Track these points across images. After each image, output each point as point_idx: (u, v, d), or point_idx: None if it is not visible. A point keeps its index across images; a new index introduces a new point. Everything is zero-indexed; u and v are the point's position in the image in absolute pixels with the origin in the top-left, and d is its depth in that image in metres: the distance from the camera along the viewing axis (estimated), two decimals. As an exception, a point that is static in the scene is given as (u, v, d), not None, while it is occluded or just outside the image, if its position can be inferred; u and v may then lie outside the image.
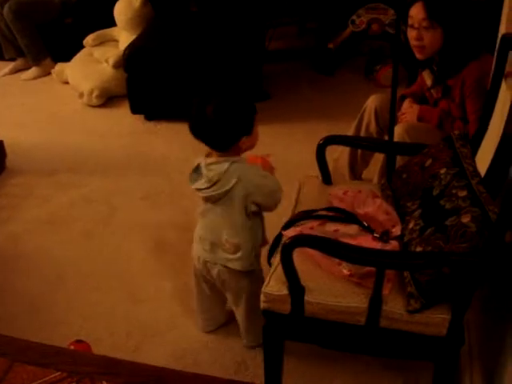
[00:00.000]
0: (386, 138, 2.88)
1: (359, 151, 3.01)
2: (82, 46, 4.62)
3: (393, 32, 4.47)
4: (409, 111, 2.78)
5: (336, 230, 1.83)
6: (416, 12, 2.53)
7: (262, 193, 1.96)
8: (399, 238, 1.79)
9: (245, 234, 2.00)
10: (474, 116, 2.48)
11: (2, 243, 2.89)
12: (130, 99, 3.91)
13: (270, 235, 2.09)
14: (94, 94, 4.15)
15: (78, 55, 4.55)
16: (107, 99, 4.26)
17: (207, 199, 1.98)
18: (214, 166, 1.90)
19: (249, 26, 4.36)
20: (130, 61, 3.79)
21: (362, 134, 2.96)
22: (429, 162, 1.88)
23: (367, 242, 1.78)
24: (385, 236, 1.80)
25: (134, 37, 4.17)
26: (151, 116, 3.99)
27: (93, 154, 3.64)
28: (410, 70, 3.34)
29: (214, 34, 4.05)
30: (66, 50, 4.69)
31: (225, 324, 2.36)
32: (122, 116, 4.05)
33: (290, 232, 1.83)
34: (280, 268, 1.70)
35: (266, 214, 2.11)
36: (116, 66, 4.14)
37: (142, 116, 4.02)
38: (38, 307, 2.50)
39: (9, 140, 3.55)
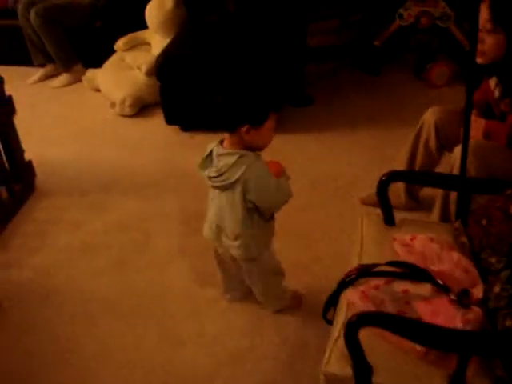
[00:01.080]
0: (448, 154, 2.64)
1: (417, 167, 2.73)
2: (113, 51, 4.39)
3: (443, 25, 4.15)
4: (473, 126, 2.46)
5: (406, 291, 1.57)
6: (482, 14, 2.23)
7: (258, 194, 1.93)
8: (481, 303, 1.51)
9: (245, 226, 2.00)
10: None
11: (32, 277, 2.69)
12: (165, 109, 3.67)
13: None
14: (127, 104, 3.92)
15: (109, 61, 4.33)
16: (140, 108, 4.02)
17: (215, 187, 2.00)
18: (224, 157, 1.91)
19: (289, 22, 4.06)
20: (163, 69, 3.54)
21: (420, 150, 2.69)
22: (515, 208, 1.59)
23: (443, 306, 1.52)
24: (464, 298, 1.53)
25: (167, 40, 3.93)
26: (187, 126, 3.75)
27: (126, 171, 3.41)
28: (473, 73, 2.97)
29: (253, 34, 3.77)
30: (97, 55, 4.48)
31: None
32: (156, 126, 3.82)
33: (353, 295, 1.57)
34: (341, 343, 1.44)
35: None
36: (149, 73, 3.90)
37: (177, 127, 3.77)
38: (67, 351, 2.30)
39: (37, 158, 3.36)
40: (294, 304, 2.36)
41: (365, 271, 1.64)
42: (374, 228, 1.88)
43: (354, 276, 1.65)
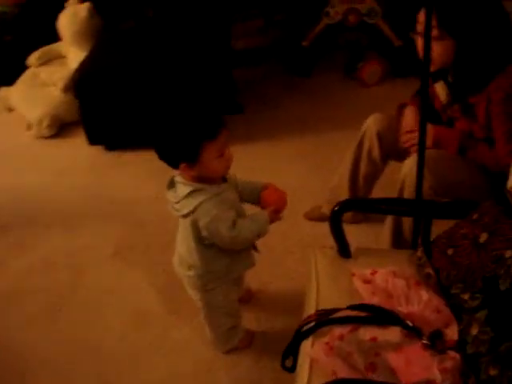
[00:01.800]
0: (394, 162, 2.50)
1: (361, 177, 2.59)
2: (25, 67, 4.06)
3: (371, 22, 4.04)
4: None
5: (374, 339, 1.40)
6: (424, 18, 2.09)
7: (210, 235, 1.77)
8: (457, 346, 1.36)
9: (197, 258, 1.86)
10: (504, 137, 2.05)
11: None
12: (86, 129, 3.40)
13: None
14: (44, 124, 3.63)
15: (22, 77, 4.01)
16: (60, 128, 3.73)
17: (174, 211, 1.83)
18: (180, 186, 1.77)
19: (212, 24, 3.86)
20: (81, 86, 3.28)
21: (364, 161, 2.55)
22: (484, 236, 1.44)
23: (416, 353, 1.36)
24: (438, 342, 1.38)
25: (83, 53, 3.66)
26: (112, 145, 3.48)
27: (49, 200, 3.14)
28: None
29: (174, 39, 3.53)
30: (9, 72, 4.13)
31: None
32: (79, 147, 3.54)
33: (316, 351, 1.39)
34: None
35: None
36: (66, 89, 3.63)
37: (101, 146, 3.51)
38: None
39: None
40: (245, 343, 2.17)
41: (324, 319, 1.47)
42: (328, 262, 1.71)
43: (312, 324, 1.47)
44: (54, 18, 3.91)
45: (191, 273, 1.91)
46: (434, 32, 2.00)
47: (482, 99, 2.08)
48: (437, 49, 2.06)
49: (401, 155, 2.40)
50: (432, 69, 2.14)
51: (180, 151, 1.67)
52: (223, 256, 1.87)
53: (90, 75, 3.27)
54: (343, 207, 1.65)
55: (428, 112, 2.31)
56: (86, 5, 3.79)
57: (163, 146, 1.71)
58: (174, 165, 1.72)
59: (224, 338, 2.14)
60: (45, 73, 3.92)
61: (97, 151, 3.48)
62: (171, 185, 1.81)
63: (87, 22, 3.80)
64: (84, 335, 2.34)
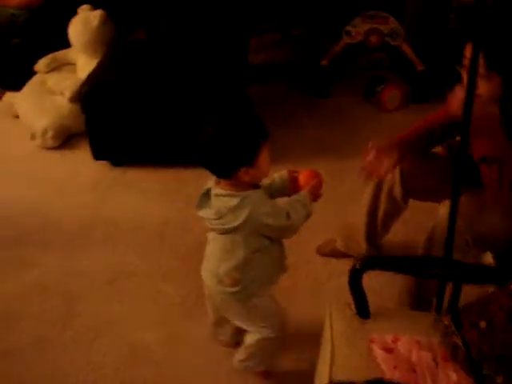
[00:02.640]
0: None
1: (379, 215, 2.42)
2: (33, 72, 3.91)
3: (394, 43, 3.88)
4: None
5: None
6: (467, 52, 1.93)
7: (270, 230, 1.75)
8: None
9: (247, 269, 1.80)
10: None
11: None
12: (92, 144, 3.25)
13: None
14: (49, 135, 3.48)
15: (29, 84, 3.85)
16: (65, 139, 3.58)
17: (213, 229, 1.79)
18: (224, 198, 1.70)
19: (229, 36, 3.71)
20: (88, 100, 3.12)
21: (384, 198, 2.40)
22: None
23: None
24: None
25: (94, 61, 3.52)
26: (118, 161, 3.32)
27: (48, 217, 2.98)
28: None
29: (187, 52, 3.38)
30: (16, 77, 3.99)
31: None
32: (84, 160, 3.38)
33: None
34: None
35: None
36: (73, 99, 3.47)
37: (107, 161, 3.35)
38: None
39: None
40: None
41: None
42: (345, 323, 1.54)
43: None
44: (66, 23, 3.77)
45: (236, 288, 1.82)
46: (481, 69, 1.84)
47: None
48: (483, 86, 1.90)
49: (428, 195, 2.25)
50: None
51: (240, 155, 1.64)
52: (267, 261, 1.85)
53: (98, 88, 3.11)
54: (365, 265, 1.48)
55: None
56: (99, 12, 3.65)
57: (219, 154, 1.65)
58: (228, 173, 1.68)
59: (269, 351, 2.02)
60: (52, 80, 3.77)
61: (102, 166, 3.33)
62: (202, 203, 1.76)
63: (99, 30, 3.66)
64: (72, 370, 2.20)
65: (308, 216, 1.79)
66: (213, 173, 1.71)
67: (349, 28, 3.91)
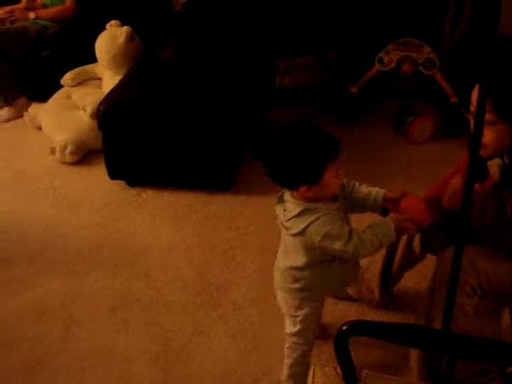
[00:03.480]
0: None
1: (395, 263, 2.31)
2: (60, 85, 3.90)
3: (427, 73, 3.75)
4: None
5: None
6: (473, 99, 1.82)
7: (325, 251, 1.76)
8: None
9: (307, 273, 1.84)
10: None
11: None
12: (108, 163, 3.19)
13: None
14: (68, 150, 3.44)
15: (54, 97, 3.84)
16: (85, 154, 3.54)
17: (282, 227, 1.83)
18: (290, 205, 1.76)
19: (256, 58, 3.63)
20: (106, 118, 3.07)
21: (402, 247, 2.26)
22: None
23: None
24: None
25: (118, 77, 3.47)
26: (134, 181, 3.27)
27: (57, 236, 2.93)
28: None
29: (214, 74, 3.31)
30: (43, 88, 4.00)
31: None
32: (101, 178, 3.32)
33: None
34: None
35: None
36: (94, 116, 3.42)
37: (123, 181, 3.29)
38: None
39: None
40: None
41: None
42: (329, 387, 1.42)
43: None
44: (94, 37, 3.74)
45: (297, 285, 1.87)
46: (488, 116, 1.73)
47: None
48: (489, 134, 1.79)
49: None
50: (484, 154, 1.87)
51: (303, 174, 1.67)
52: (335, 273, 1.86)
53: (116, 106, 3.05)
54: (352, 330, 1.36)
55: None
56: (126, 28, 3.61)
57: (282, 170, 1.69)
58: (292, 186, 1.73)
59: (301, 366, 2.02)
60: (77, 94, 3.74)
61: (117, 185, 3.27)
62: (280, 199, 1.81)
63: (125, 46, 3.62)
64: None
65: (382, 245, 1.76)
66: (278, 183, 1.76)
67: (381, 55, 3.79)
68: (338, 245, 1.70)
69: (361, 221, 2.02)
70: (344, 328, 1.37)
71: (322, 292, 1.95)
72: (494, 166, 2.00)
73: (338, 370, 1.44)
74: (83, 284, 2.64)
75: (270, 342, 2.31)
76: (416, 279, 2.49)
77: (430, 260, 2.33)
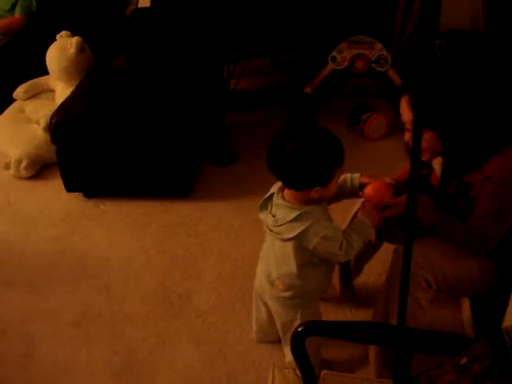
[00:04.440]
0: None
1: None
2: (12, 99, 3.84)
3: (380, 70, 3.78)
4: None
5: None
6: (403, 112, 1.92)
7: (322, 254, 1.80)
8: None
9: (299, 279, 1.87)
10: (491, 218, 1.83)
11: None
12: (63, 175, 3.15)
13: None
14: (23, 165, 3.39)
15: (7, 111, 3.77)
16: (40, 168, 3.48)
17: (270, 233, 1.85)
18: (283, 209, 1.78)
19: (210, 60, 3.61)
20: (58, 131, 3.03)
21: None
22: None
23: None
24: None
25: (71, 89, 3.43)
26: (91, 193, 3.23)
27: (14, 252, 2.89)
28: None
29: (165, 82, 3.28)
30: (-5, 103, 3.92)
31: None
32: (57, 191, 3.27)
33: None
34: None
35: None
36: (47, 129, 3.36)
37: (80, 193, 3.25)
38: None
39: None
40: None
41: None
42: (288, 389, 1.42)
43: None
44: (45, 49, 3.69)
45: (288, 293, 1.90)
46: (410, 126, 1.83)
47: (478, 178, 1.86)
48: (424, 141, 1.82)
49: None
50: (426, 159, 1.98)
51: (319, 177, 1.71)
52: (320, 275, 1.92)
53: (68, 118, 3.01)
54: (307, 331, 1.37)
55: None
56: (76, 39, 3.56)
57: (300, 170, 1.71)
58: (300, 188, 1.75)
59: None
60: (30, 108, 3.69)
61: (74, 198, 3.23)
62: (264, 205, 1.85)
63: (76, 57, 3.57)
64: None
65: (364, 242, 1.83)
66: (285, 184, 1.78)
67: (334, 54, 3.82)
68: (335, 248, 1.76)
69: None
70: (299, 329, 1.37)
71: (313, 296, 1.98)
72: (437, 164, 2.06)
73: (298, 371, 1.44)
74: (43, 300, 2.60)
75: (234, 347, 2.30)
76: (376, 274, 2.51)
77: (391, 254, 2.36)
